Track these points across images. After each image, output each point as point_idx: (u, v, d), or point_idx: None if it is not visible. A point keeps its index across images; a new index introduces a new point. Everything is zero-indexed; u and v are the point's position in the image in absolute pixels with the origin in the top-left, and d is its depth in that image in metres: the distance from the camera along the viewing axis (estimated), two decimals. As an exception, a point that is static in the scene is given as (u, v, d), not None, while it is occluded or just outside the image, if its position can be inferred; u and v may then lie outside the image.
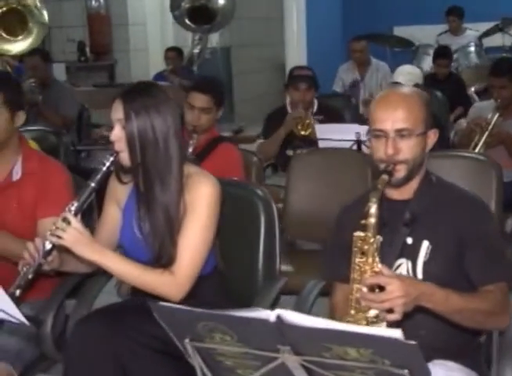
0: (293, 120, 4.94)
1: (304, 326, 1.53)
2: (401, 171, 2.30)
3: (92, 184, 2.44)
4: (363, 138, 4.29)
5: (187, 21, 7.96)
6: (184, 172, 2.52)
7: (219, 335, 1.64)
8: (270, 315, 1.54)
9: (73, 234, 2.35)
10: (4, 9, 7.46)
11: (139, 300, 2.56)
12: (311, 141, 4.94)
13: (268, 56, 11.20)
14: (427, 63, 8.23)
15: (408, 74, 5.10)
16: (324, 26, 9.27)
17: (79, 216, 2.42)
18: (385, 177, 2.26)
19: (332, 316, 2.46)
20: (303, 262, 4.05)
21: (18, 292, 2.36)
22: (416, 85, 5.06)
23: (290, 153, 5.05)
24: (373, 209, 2.17)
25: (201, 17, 7.91)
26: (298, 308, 2.69)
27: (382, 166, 2.30)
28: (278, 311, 1.54)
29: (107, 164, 2.46)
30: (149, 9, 10.44)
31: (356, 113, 6.58)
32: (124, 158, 2.48)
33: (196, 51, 8.15)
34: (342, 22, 10.34)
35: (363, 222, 2.19)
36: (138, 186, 2.53)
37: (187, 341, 1.71)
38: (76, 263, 2.63)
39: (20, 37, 7.45)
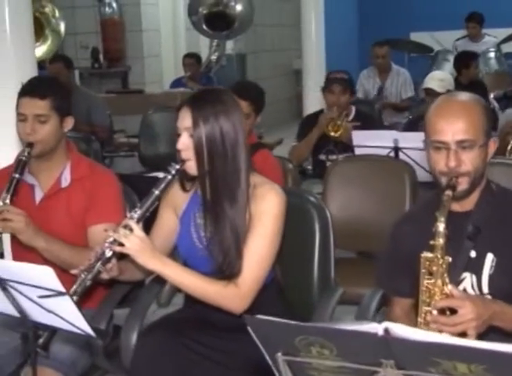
0: (325, 121, 4.90)
1: (412, 339, 1.47)
2: (463, 184, 2.22)
3: (157, 192, 2.38)
4: (401, 145, 4.26)
5: (205, 27, 7.88)
6: (250, 182, 2.47)
7: (317, 349, 1.57)
8: (378, 328, 1.48)
9: (135, 242, 2.30)
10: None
11: (198, 311, 2.54)
12: (345, 146, 4.91)
13: (282, 62, 11.19)
14: (447, 69, 8.19)
15: (440, 81, 5.04)
16: (341, 32, 9.23)
17: (141, 224, 2.36)
18: (449, 193, 2.17)
19: None
20: (340, 270, 3.99)
21: (75, 299, 2.30)
22: (448, 92, 5.01)
23: (322, 158, 5.06)
24: (441, 228, 2.10)
25: (219, 23, 7.85)
26: (360, 318, 2.62)
27: (444, 180, 2.21)
28: (386, 324, 1.48)
29: (173, 172, 2.40)
30: (162, 15, 10.42)
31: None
32: (191, 167, 2.42)
33: (214, 57, 8.08)
34: (358, 28, 10.30)
35: (432, 242, 2.12)
36: (204, 195, 2.47)
37: (279, 354, 1.64)
38: (133, 271, 2.58)
39: (37, 44, 7.43)
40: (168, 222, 2.64)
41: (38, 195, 2.91)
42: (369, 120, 5.18)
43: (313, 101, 7.96)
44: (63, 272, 2.67)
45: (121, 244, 2.31)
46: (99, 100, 6.59)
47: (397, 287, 2.39)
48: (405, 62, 8.57)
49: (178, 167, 2.40)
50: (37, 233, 2.69)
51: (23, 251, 2.83)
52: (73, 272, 2.38)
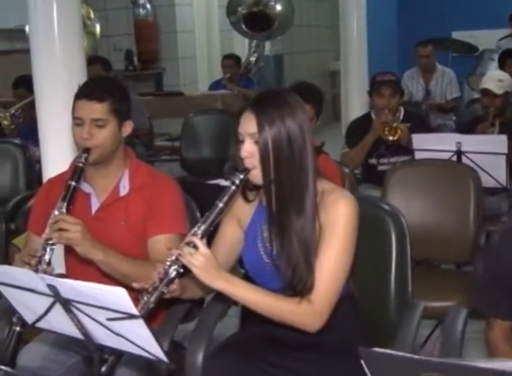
0: (380, 125, 4.69)
1: None
2: None
3: (221, 205, 2.19)
4: (464, 148, 4.05)
5: (244, 27, 7.68)
6: (318, 189, 2.26)
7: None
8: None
9: (201, 261, 2.10)
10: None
11: (266, 329, 2.36)
12: (396, 149, 4.72)
13: (318, 63, 11.00)
14: (493, 69, 7.91)
15: (499, 81, 4.80)
16: (381, 32, 9.01)
17: (205, 240, 2.16)
18: None
19: (491, 352, 2.25)
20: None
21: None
22: (506, 94, 4.79)
23: (373, 161, 4.85)
24: None
25: (258, 23, 7.64)
26: (448, 338, 2.42)
27: None
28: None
29: (237, 182, 2.20)
30: (196, 16, 10.27)
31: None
32: (256, 176, 2.23)
33: (253, 59, 7.88)
34: (397, 27, 10.07)
35: None
36: (270, 206, 2.27)
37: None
38: (195, 289, 2.40)
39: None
40: (232, 235, 2.45)
41: (94, 204, 2.72)
42: (418, 121, 4.97)
43: (353, 103, 7.77)
44: (119, 284, 2.50)
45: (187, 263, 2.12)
46: (139, 103, 6.42)
47: (500, 310, 2.19)
48: (448, 62, 8.31)
49: (242, 176, 2.21)
50: (95, 244, 2.50)
51: (79, 265, 2.66)
52: (135, 285, 2.19)
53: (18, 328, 2.45)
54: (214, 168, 5.78)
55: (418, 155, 4.18)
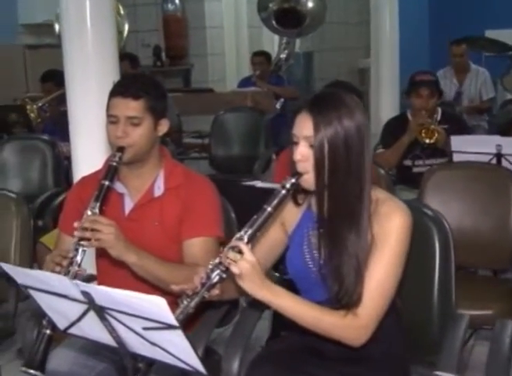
0: (417, 127, 4.57)
1: None
2: None
3: (269, 209, 2.07)
4: (505, 151, 3.93)
5: (274, 24, 7.55)
6: (371, 197, 2.16)
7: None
8: None
9: (246, 268, 2.00)
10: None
11: (305, 340, 2.27)
12: (432, 151, 4.61)
13: (347, 60, 10.88)
14: (528, 70, 7.78)
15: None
16: (413, 29, 8.86)
17: (250, 245, 2.06)
18: None
19: None
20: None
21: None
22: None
23: (408, 163, 4.75)
24: None
25: (289, 20, 7.51)
26: (495, 355, 2.31)
27: None
28: None
29: (288, 186, 2.10)
30: (225, 12, 10.17)
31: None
32: (308, 181, 2.12)
33: (283, 56, 7.75)
34: (429, 25, 9.90)
35: None
36: (321, 212, 2.16)
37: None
38: (233, 291, 2.29)
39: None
40: (274, 238, 2.35)
41: (128, 205, 2.63)
42: (456, 122, 4.84)
43: (384, 101, 7.67)
44: (154, 290, 2.42)
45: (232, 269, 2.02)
46: (169, 100, 6.34)
47: None
48: (482, 61, 8.16)
49: (293, 181, 2.11)
50: (128, 246, 2.40)
51: (110, 267, 2.58)
52: (175, 288, 2.10)
53: (48, 331, 2.37)
54: (243, 166, 5.71)
55: (456, 157, 4.05)
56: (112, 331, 1.90)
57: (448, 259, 2.54)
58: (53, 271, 2.32)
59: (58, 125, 5.84)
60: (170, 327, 1.73)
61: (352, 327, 2.09)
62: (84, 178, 2.78)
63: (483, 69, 7.26)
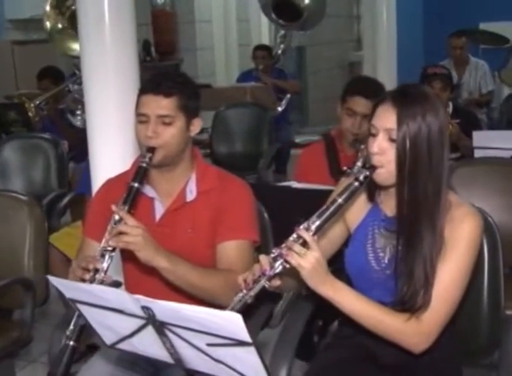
0: None
1: None
2: None
3: (340, 200, 1.98)
4: (528, 146, 3.85)
5: (274, 16, 7.42)
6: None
7: None
8: None
9: (311, 262, 1.90)
10: (74, 7, 7.07)
11: (361, 344, 2.20)
12: (451, 147, 4.51)
13: (338, 53, 10.79)
14: (526, 62, 7.70)
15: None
16: (408, 22, 8.78)
17: (316, 237, 1.95)
18: None
19: None
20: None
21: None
22: None
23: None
24: None
25: (287, 13, 7.38)
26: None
27: None
28: None
29: (361, 178, 2.01)
30: (215, 5, 10.05)
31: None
32: (381, 175, 2.04)
33: (280, 50, 7.63)
34: (423, 18, 9.82)
35: None
36: (401, 211, 2.06)
37: None
38: (291, 285, 2.18)
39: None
40: (335, 233, 2.26)
41: (158, 210, 2.50)
42: (468, 116, 4.77)
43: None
44: (186, 299, 2.30)
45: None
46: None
47: None
48: (479, 54, 8.08)
49: (367, 173, 2.02)
50: (159, 249, 2.26)
51: (139, 273, 2.43)
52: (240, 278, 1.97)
53: (72, 342, 2.25)
54: (246, 163, 5.59)
55: (477, 153, 3.96)
56: (170, 347, 1.79)
57: (497, 261, 2.44)
58: (82, 278, 2.20)
59: (55, 124, 5.73)
60: (241, 343, 1.62)
61: (415, 332, 2.01)
62: (109, 181, 2.64)
63: (482, 62, 7.19)
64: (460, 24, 8.29)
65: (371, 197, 2.18)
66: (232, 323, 1.57)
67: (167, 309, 1.66)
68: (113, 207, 2.27)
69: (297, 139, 7.03)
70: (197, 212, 2.46)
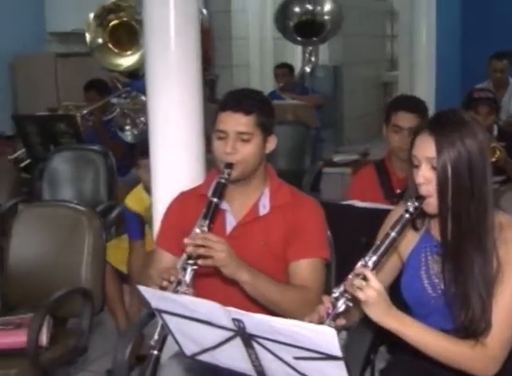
0: None
1: None
2: None
3: (393, 234, 2.01)
4: None
5: (295, 36, 7.53)
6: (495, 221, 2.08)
7: None
8: None
9: (372, 295, 1.93)
10: (115, 22, 7.16)
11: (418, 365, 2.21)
12: (497, 170, 4.52)
13: (372, 74, 10.83)
14: None
15: None
16: (446, 42, 8.77)
17: (374, 272, 1.99)
18: None
19: None
20: None
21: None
22: None
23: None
24: None
25: (308, 31, 7.48)
26: None
27: None
28: None
29: (411, 210, 2.03)
30: (251, 23, 10.14)
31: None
32: (431, 204, 2.07)
33: (308, 69, 7.69)
34: (461, 37, 9.80)
35: None
36: (445, 237, 2.09)
37: None
38: (355, 321, 2.22)
39: (129, 53, 7.14)
40: (390, 264, 2.27)
41: (230, 222, 2.55)
42: (512, 139, 4.76)
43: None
44: (261, 310, 2.33)
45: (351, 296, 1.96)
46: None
47: None
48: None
49: (417, 204, 2.04)
50: (241, 263, 2.31)
51: (211, 288, 2.44)
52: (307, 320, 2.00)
53: (156, 352, 2.30)
54: (290, 180, 5.59)
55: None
56: (255, 360, 1.83)
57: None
58: (161, 286, 2.24)
59: (100, 135, 5.79)
60: (331, 357, 1.65)
61: (482, 358, 2.02)
62: (182, 194, 2.70)
63: (522, 84, 7.18)
64: (499, 45, 8.29)
65: (414, 226, 2.18)
66: (325, 336, 1.61)
67: (258, 321, 1.70)
68: (197, 229, 2.32)
69: (334, 158, 7.03)
70: (270, 226, 2.51)
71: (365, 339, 2.51)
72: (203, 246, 2.26)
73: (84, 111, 5.81)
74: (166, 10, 3.07)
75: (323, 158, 6.77)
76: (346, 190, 3.82)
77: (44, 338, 3.02)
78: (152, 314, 2.62)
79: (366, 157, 7.05)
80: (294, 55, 10.66)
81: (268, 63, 10.50)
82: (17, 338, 2.99)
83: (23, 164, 6.05)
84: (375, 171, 3.63)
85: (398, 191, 3.48)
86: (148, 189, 3.80)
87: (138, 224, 3.99)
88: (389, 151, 3.61)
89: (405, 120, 3.45)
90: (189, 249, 2.29)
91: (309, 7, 7.37)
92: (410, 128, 3.39)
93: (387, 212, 2.38)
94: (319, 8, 7.57)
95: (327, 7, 7.51)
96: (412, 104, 3.56)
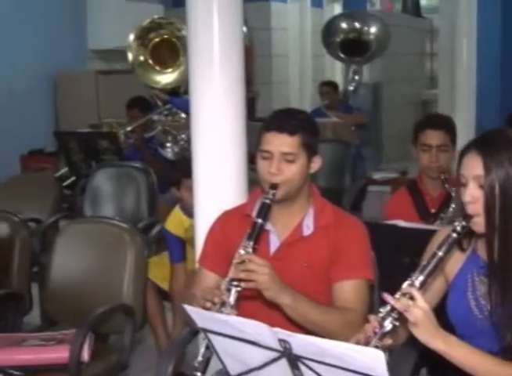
0: None
1: None
2: None
3: (440, 253, 1.98)
4: None
5: (340, 54, 7.57)
6: None
7: None
8: None
9: (419, 315, 1.91)
10: (157, 39, 7.23)
11: None
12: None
13: (411, 92, 10.80)
14: None
15: None
16: (486, 61, 8.73)
17: (421, 291, 1.97)
18: None
19: None
20: None
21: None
22: None
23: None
24: None
25: (354, 50, 7.51)
26: None
27: None
28: None
29: (459, 229, 2.01)
30: (291, 40, 10.18)
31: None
32: (479, 223, 2.04)
33: (352, 88, 7.71)
34: (501, 57, 9.75)
35: None
36: (491, 257, 2.07)
37: None
38: (401, 341, 2.19)
39: (170, 70, 7.20)
40: (435, 285, 2.24)
41: (274, 243, 2.54)
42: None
43: (461, 134, 7.53)
44: (304, 332, 2.31)
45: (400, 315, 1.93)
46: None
47: None
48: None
49: (464, 223, 2.02)
50: (283, 287, 2.31)
51: (258, 310, 2.41)
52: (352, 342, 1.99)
53: (200, 374, 2.30)
54: (329, 198, 5.58)
55: None
56: (300, 382, 1.81)
57: None
58: (204, 307, 2.23)
59: (141, 152, 5.84)
60: (378, 381, 1.64)
61: None
62: (226, 214, 2.69)
63: None
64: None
65: (461, 247, 2.16)
66: (373, 359, 1.59)
67: (305, 342, 1.69)
68: (241, 251, 2.32)
69: (375, 176, 6.99)
70: (314, 247, 2.50)
71: (409, 360, 2.48)
72: (247, 269, 2.26)
73: (128, 128, 5.86)
74: (210, 31, 3.09)
75: (365, 176, 6.75)
76: (381, 214, 3.79)
77: (85, 354, 3.03)
78: (194, 333, 2.64)
79: (406, 175, 7.01)
80: (334, 72, 10.70)
81: (308, 80, 10.56)
82: (59, 354, 3.01)
83: (66, 183, 6.10)
84: (408, 194, 3.62)
85: (433, 211, 3.48)
86: (186, 210, 3.82)
87: (179, 247, 4.00)
88: (420, 171, 3.60)
89: (433, 137, 3.44)
90: (232, 271, 2.29)
91: (357, 25, 7.40)
92: (438, 146, 3.40)
93: (430, 232, 2.36)
94: (365, 28, 7.62)
95: (374, 28, 7.55)
96: (439, 121, 3.55)
